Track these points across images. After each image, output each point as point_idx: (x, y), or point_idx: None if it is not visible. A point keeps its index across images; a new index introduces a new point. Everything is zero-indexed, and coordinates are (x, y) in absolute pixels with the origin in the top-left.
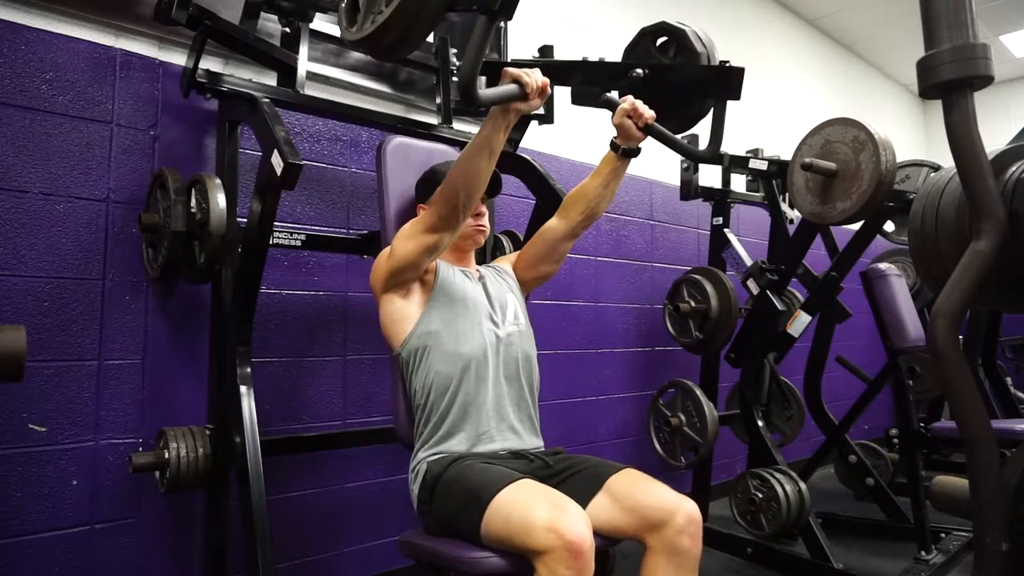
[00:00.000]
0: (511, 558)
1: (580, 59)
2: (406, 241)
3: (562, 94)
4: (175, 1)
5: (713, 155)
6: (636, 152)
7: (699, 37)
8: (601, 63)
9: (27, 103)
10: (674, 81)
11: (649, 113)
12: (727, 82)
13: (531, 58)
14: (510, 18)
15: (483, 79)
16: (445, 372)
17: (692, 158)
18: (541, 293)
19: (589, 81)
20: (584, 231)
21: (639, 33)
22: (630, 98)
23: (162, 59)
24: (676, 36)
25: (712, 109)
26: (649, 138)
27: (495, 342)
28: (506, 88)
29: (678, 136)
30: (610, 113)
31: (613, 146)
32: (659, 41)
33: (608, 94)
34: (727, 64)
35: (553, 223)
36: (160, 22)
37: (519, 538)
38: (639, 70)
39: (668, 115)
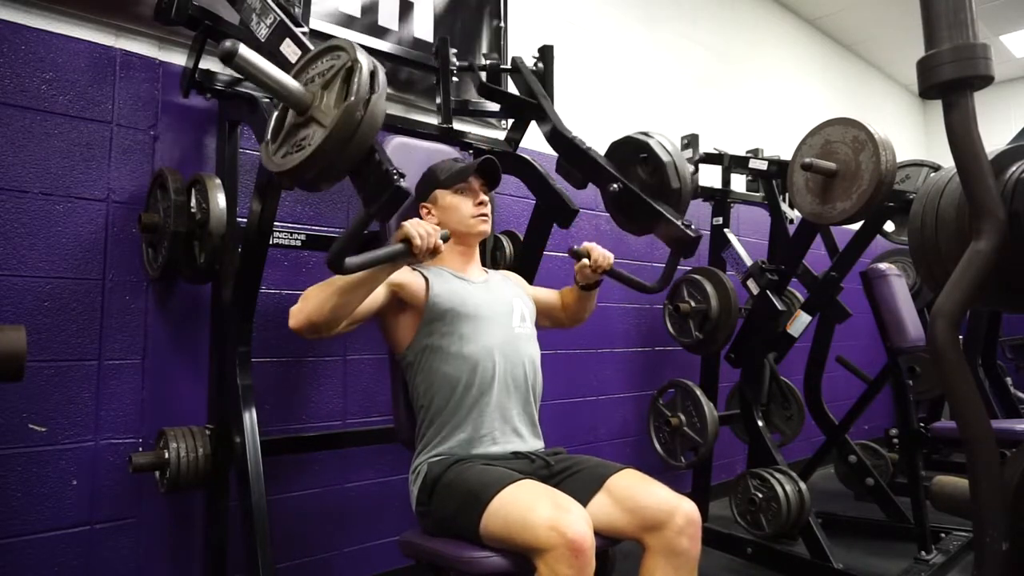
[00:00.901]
0: (512, 557)
1: (570, 136)
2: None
3: (564, 92)
4: (175, 1)
5: (660, 290)
6: (597, 285)
7: (677, 173)
8: (587, 155)
9: (27, 103)
10: (642, 206)
11: (607, 262)
12: (685, 240)
13: (532, 57)
14: (385, 220)
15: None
16: (450, 374)
17: (642, 291)
18: None
19: (572, 162)
20: (573, 327)
21: (624, 138)
22: (593, 252)
23: (162, 59)
24: (655, 162)
25: (670, 251)
26: (646, 123)
27: (501, 344)
28: (389, 250)
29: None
30: (609, 115)
31: (576, 281)
32: (643, 155)
33: (574, 247)
34: (689, 226)
35: (558, 305)
36: (160, 22)
37: (520, 537)
38: (616, 186)
39: (633, 219)
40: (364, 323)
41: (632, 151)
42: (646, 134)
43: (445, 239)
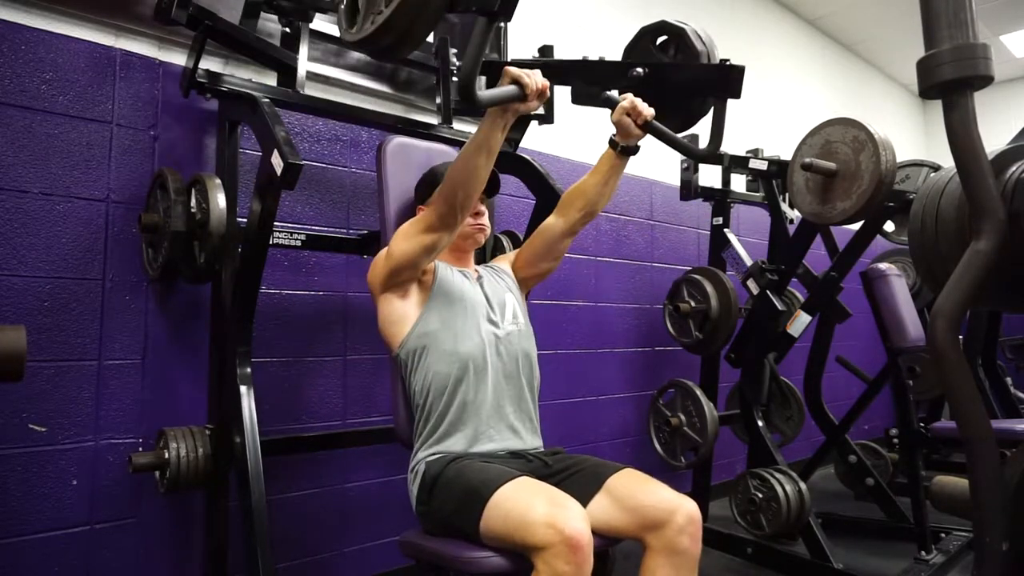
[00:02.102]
0: (511, 557)
1: (580, 59)
2: (405, 241)
3: (562, 94)
4: (175, 1)
5: (713, 153)
6: (635, 150)
7: (699, 36)
8: (601, 62)
9: (27, 103)
10: (674, 80)
11: (648, 111)
12: (727, 80)
13: (532, 58)
14: (509, 19)
15: (483, 79)
16: (444, 372)
17: (692, 156)
18: (541, 293)
19: (589, 81)
20: (583, 228)
21: (639, 32)
22: (629, 96)
23: (162, 59)
24: (676, 35)
25: (712, 108)
26: (651, 138)
27: (494, 341)
28: (506, 89)
29: (679, 135)
30: (610, 111)
31: (612, 143)
32: (659, 40)
33: (608, 92)
34: (727, 62)
35: (552, 220)
36: (160, 22)
37: (518, 534)
38: (639, 69)
39: (668, 114)
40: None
41: (649, 42)
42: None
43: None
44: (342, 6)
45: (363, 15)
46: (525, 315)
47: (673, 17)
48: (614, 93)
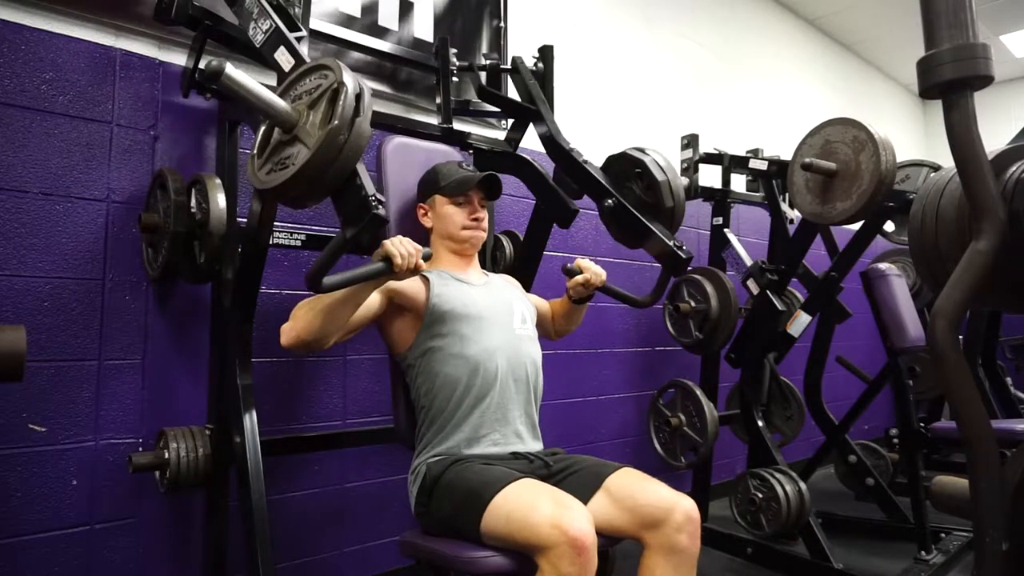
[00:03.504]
0: (513, 557)
1: (568, 148)
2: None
3: (563, 95)
4: (175, 1)
5: (651, 304)
6: (588, 299)
7: (659, 165)
8: (584, 169)
9: (27, 103)
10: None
11: (600, 280)
12: (676, 262)
13: (532, 57)
14: (358, 250)
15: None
16: (452, 375)
17: (634, 305)
18: (540, 293)
19: (570, 176)
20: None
21: (621, 153)
22: (588, 270)
23: (162, 59)
24: (649, 179)
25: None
26: (650, 133)
27: (502, 345)
28: (368, 268)
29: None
30: (609, 115)
31: (568, 294)
32: (638, 170)
33: (568, 265)
34: (680, 248)
35: (548, 318)
36: (160, 22)
37: (522, 535)
38: (610, 201)
39: (629, 234)
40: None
41: (628, 165)
42: (642, 151)
43: (427, 258)
44: (261, 131)
45: (266, 159)
46: (533, 320)
47: (673, 18)
48: (571, 265)
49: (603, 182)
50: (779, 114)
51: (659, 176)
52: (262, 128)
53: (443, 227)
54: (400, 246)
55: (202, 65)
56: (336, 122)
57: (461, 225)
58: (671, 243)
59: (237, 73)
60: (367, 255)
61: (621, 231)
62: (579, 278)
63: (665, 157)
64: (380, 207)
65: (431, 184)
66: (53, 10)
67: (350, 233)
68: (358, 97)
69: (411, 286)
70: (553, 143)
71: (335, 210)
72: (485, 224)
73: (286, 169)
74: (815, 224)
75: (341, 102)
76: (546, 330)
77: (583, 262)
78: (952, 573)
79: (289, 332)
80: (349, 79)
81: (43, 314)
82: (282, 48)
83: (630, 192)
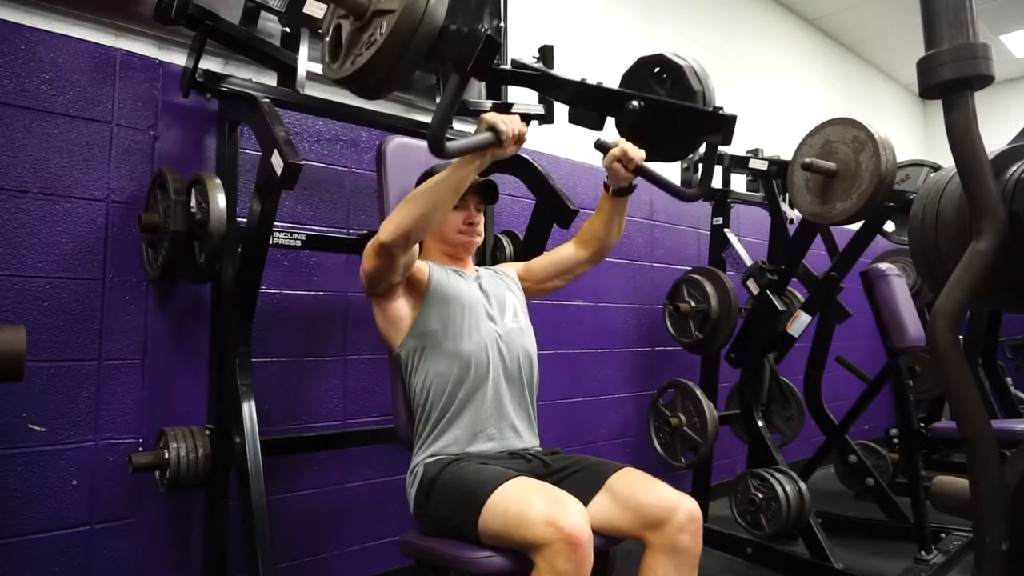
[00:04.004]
0: (511, 556)
1: (579, 79)
2: (366, 261)
3: None
4: (175, 1)
5: (701, 196)
6: (629, 190)
7: (696, 74)
8: (599, 88)
9: (27, 103)
10: (667, 117)
11: (638, 155)
12: (718, 127)
13: (532, 57)
14: (481, 79)
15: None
16: (444, 371)
17: (681, 198)
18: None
19: (587, 105)
20: (600, 260)
21: (638, 61)
22: (621, 143)
23: (162, 59)
24: (673, 71)
25: (704, 147)
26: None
27: (494, 340)
28: (480, 137)
29: (676, 159)
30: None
31: (605, 186)
32: (657, 70)
33: (601, 138)
34: (720, 110)
35: (572, 249)
36: (160, 22)
37: (517, 533)
38: (635, 103)
39: (661, 144)
40: (384, 296)
41: (646, 72)
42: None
43: (528, 119)
44: (326, 40)
45: (344, 54)
46: (525, 314)
47: (673, 18)
48: (606, 138)
49: (623, 91)
50: (779, 114)
51: (680, 62)
52: (326, 36)
53: (438, 230)
54: (501, 116)
55: (205, 65)
56: None
57: (457, 230)
58: (710, 108)
59: None
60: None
61: (652, 138)
62: (614, 151)
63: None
64: (489, 29)
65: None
66: (53, 10)
67: (469, 66)
68: None
69: (422, 267)
70: (564, 84)
71: (437, 64)
72: (481, 229)
73: (373, 45)
74: (815, 224)
75: None
76: (577, 261)
77: (617, 138)
78: (952, 573)
79: (389, 226)
80: None
81: (43, 314)
82: None
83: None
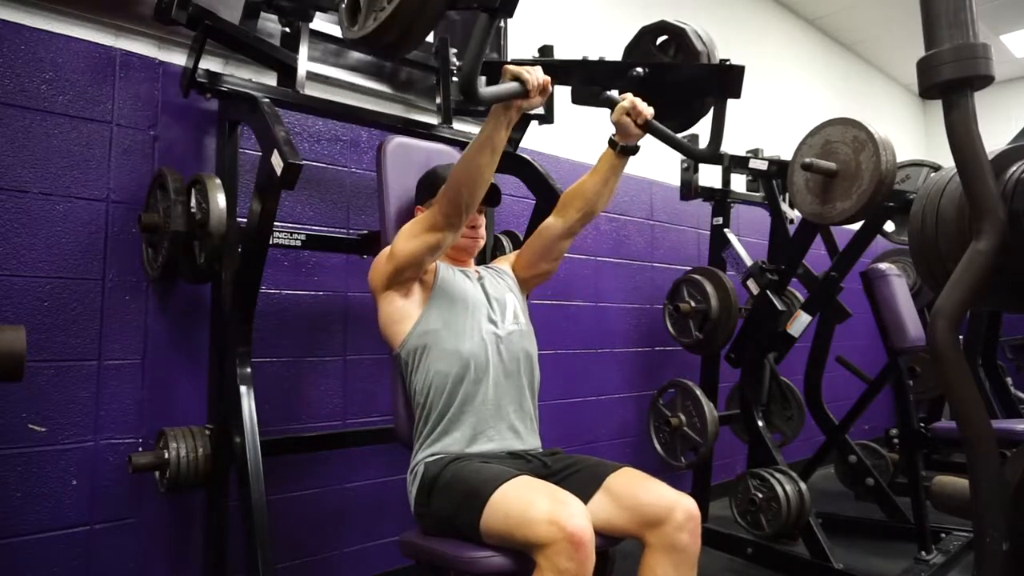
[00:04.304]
0: (512, 556)
1: (580, 58)
2: (408, 240)
3: (561, 95)
4: (175, 1)
5: (713, 154)
6: (635, 150)
7: (699, 35)
8: (601, 62)
9: (27, 103)
10: (674, 80)
11: (648, 110)
12: (727, 80)
13: (532, 57)
14: (510, 16)
15: (483, 79)
16: (444, 371)
17: (692, 156)
18: (541, 293)
19: (589, 80)
20: (582, 228)
21: (639, 32)
22: (629, 95)
23: (162, 59)
24: (676, 35)
25: (712, 108)
26: (651, 138)
27: (495, 341)
28: (508, 86)
29: (679, 135)
30: (609, 111)
31: (611, 143)
32: (659, 40)
33: (608, 92)
34: (727, 62)
35: (551, 221)
36: (160, 22)
37: (520, 532)
38: (639, 69)
39: (668, 114)
40: (414, 272)
41: (648, 42)
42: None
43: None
44: (343, 5)
45: (364, 13)
46: (526, 315)
47: (673, 16)
48: (614, 93)
49: (625, 61)
50: (779, 114)
51: (683, 25)
52: (341, 4)
53: None
54: (526, 68)
55: (205, 64)
56: None
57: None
58: (716, 61)
59: None
60: (368, 255)
61: (658, 102)
62: (623, 104)
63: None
64: None
65: (430, 187)
66: (53, 10)
67: (495, 2)
68: None
69: (434, 263)
70: (565, 64)
71: (437, 68)
72: (483, 231)
73: (384, 11)
74: (815, 224)
75: None
76: (566, 227)
77: (627, 93)
78: (952, 573)
79: (441, 197)
80: None
81: (43, 314)
82: None
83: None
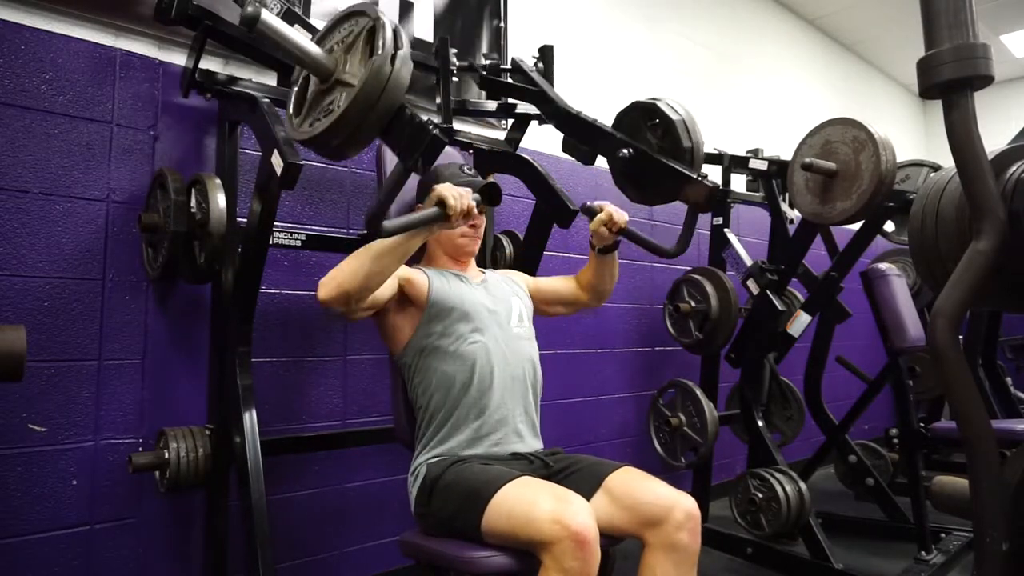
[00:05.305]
0: (513, 555)
1: (575, 112)
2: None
3: (563, 95)
4: (175, 1)
5: (679, 253)
6: (614, 248)
7: (687, 129)
8: (594, 127)
9: (27, 103)
10: (655, 169)
11: (622, 219)
12: (700, 194)
13: (532, 57)
14: (421, 174)
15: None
16: (449, 373)
17: (661, 255)
18: None
19: (580, 139)
20: (597, 306)
21: (632, 104)
22: (606, 207)
23: (162, 59)
24: (665, 122)
25: (687, 209)
26: (656, 99)
27: (499, 344)
28: (424, 214)
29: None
30: (609, 115)
31: (591, 245)
32: (650, 119)
33: (587, 203)
34: (704, 178)
35: (573, 287)
36: (160, 22)
37: (524, 532)
38: (626, 150)
39: (645, 189)
40: (371, 315)
41: (640, 116)
42: (654, 99)
43: (478, 202)
44: (295, 88)
45: (306, 113)
46: (530, 319)
47: (673, 25)
48: (594, 204)
49: (615, 135)
50: (779, 114)
51: (673, 116)
52: (295, 86)
53: (442, 233)
54: (451, 190)
55: (205, 64)
56: (380, 53)
57: (460, 232)
58: (695, 175)
59: (271, 18)
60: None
61: (640, 185)
62: (600, 216)
63: (678, 101)
64: (436, 129)
65: (431, 184)
66: (53, 10)
67: (412, 159)
68: (395, 32)
69: (418, 278)
70: (559, 111)
71: (388, 145)
72: (482, 231)
73: (330, 115)
74: (815, 224)
75: (381, 36)
76: (575, 300)
77: (603, 202)
78: (952, 573)
79: (330, 284)
80: (384, 15)
81: (43, 314)
82: (297, 25)
83: (645, 143)
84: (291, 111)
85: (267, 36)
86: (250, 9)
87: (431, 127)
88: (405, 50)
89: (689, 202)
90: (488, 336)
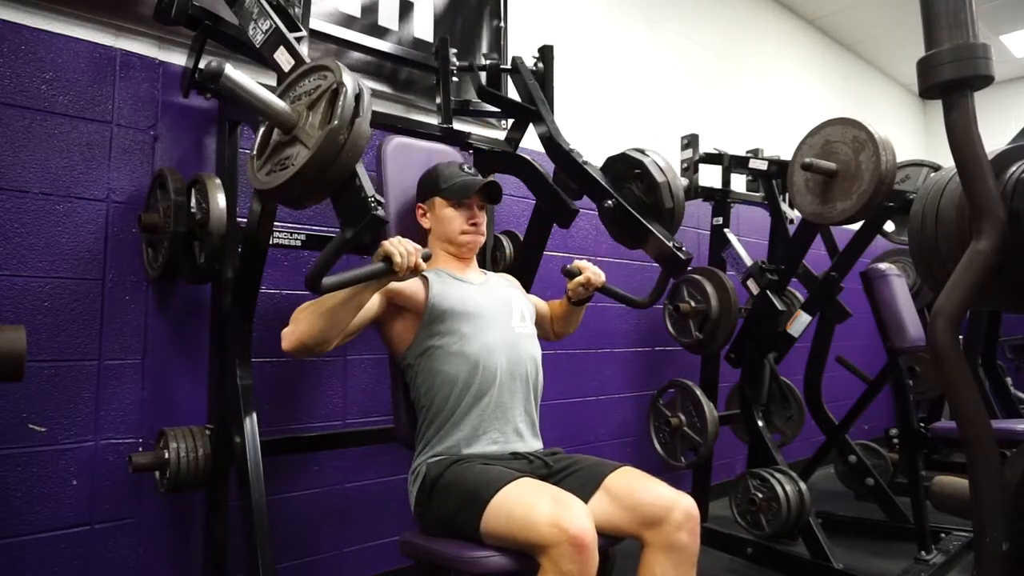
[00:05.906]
0: (513, 556)
1: (569, 149)
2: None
3: (563, 95)
4: (175, 1)
5: (650, 305)
6: (588, 300)
7: (671, 192)
8: (583, 171)
9: (27, 103)
10: (636, 226)
11: (600, 280)
12: (674, 263)
13: (532, 58)
14: (362, 246)
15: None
16: (451, 373)
17: (633, 306)
18: (540, 293)
19: (569, 175)
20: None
21: (622, 153)
22: (586, 270)
23: (162, 59)
24: (647, 180)
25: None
26: (647, 128)
27: (502, 343)
28: (368, 269)
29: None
30: (609, 115)
31: (567, 296)
32: (636, 171)
33: (567, 266)
34: (679, 249)
35: (548, 322)
36: (160, 22)
37: (522, 534)
38: (610, 202)
39: (625, 235)
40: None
41: (628, 166)
42: (642, 151)
43: (426, 258)
44: (261, 130)
45: (266, 160)
46: (532, 319)
47: (674, 25)
48: (573, 265)
49: (602, 183)
50: (779, 114)
51: (659, 177)
52: (262, 129)
53: (441, 230)
54: (399, 245)
55: (202, 65)
56: (336, 122)
57: (460, 229)
58: (670, 244)
59: (237, 74)
60: (368, 255)
61: (620, 232)
62: (579, 279)
63: (665, 158)
64: (379, 208)
65: (431, 185)
66: (53, 10)
67: (350, 234)
68: (357, 98)
69: (410, 285)
70: (553, 143)
71: (335, 211)
72: (484, 228)
73: (286, 170)
74: (815, 224)
75: (340, 102)
76: (545, 331)
77: (582, 263)
78: (952, 573)
79: (290, 336)
80: (348, 79)
81: (43, 314)
82: (282, 48)
83: (630, 193)
84: (254, 152)
85: (231, 90)
86: (213, 65)
87: (373, 206)
88: (364, 116)
89: (661, 264)
90: (491, 335)
